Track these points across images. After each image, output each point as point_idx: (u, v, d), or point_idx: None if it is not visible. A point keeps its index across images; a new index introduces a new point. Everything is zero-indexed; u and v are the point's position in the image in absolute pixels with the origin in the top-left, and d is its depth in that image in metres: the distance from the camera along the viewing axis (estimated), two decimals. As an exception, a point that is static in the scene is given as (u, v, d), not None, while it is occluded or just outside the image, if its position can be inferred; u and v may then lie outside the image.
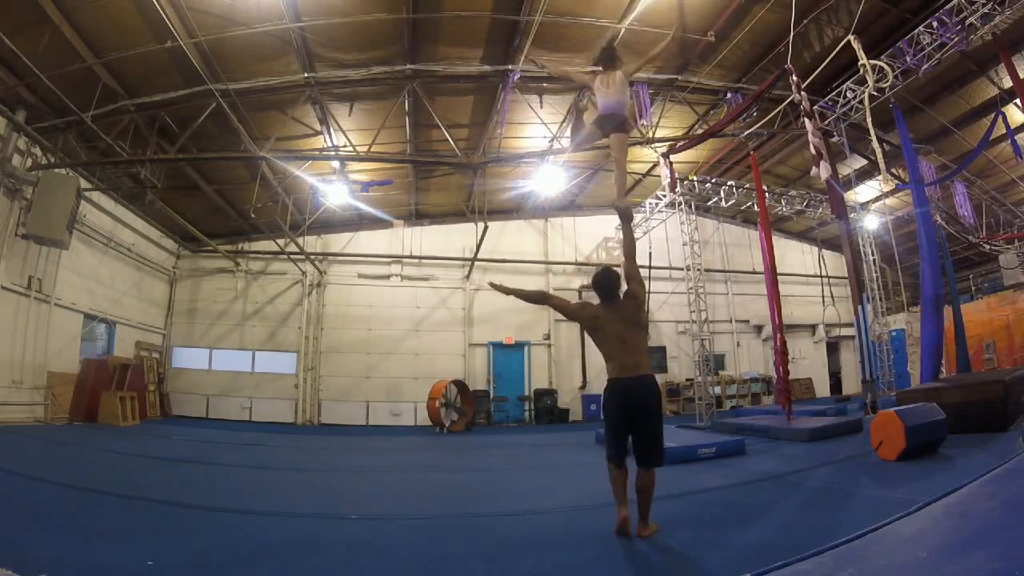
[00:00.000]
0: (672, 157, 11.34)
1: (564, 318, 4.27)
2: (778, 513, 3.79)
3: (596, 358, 4.01)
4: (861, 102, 9.08)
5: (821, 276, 13.31)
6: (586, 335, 3.67)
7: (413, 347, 14.67)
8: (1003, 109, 9.95)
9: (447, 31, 8.69)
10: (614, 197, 4.23)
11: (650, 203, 14.07)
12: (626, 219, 3.88)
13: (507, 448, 8.85)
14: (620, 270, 3.60)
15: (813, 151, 7.38)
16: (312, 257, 14.24)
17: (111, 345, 11.91)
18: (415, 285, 15.12)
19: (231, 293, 14.61)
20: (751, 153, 10.97)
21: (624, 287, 3.50)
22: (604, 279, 3.46)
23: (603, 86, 4.25)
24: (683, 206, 12.54)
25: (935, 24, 7.90)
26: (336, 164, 10.82)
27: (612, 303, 3.44)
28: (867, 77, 8.36)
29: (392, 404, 14.06)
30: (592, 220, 16.28)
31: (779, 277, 9.75)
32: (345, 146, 10.64)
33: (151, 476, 5.32)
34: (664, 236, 14.54)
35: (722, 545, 3.01)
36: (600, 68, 4.45)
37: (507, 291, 3.80)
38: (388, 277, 15.09)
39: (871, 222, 14.70)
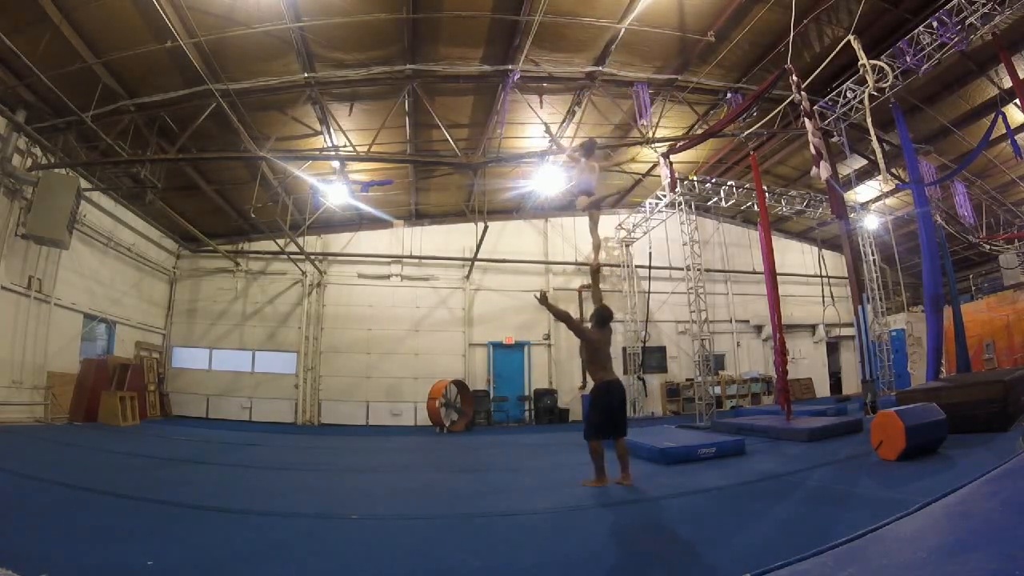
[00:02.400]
0: (672, 157, 11.34)
1: None
2: (778, 513, 3.79)
3: (595, 359, 4.78)
4: (861, 102, 9.07)
5: (821, 276, 13.32)
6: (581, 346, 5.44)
7: (413, 347, 14.66)
8: (1003, 109, 9.94)
9: (447, 31, 8.69)
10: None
11: (650, 203, 14.06)
12: (596, 275, 6.16)
13: (507, 448, 8.84)
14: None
15: (813, 151, 7.36)
16: (312, 257, 14.23)
17: (111, 345, 11.91)
18: (415, 285, 15.12)
19: (231, 293, 14.61)
20: (751, 153, 10.96)
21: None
22: (607, 314, 5.16)
23: (584, 170, 6.15)
24: (683, 206, 12.54)
25: (935, 24, 7.90)
26: (336, 164, 10.80)
27: (604, 330, 5.12)
28: (867, 77, 8.35)
29: (392, 404, 14.06)
30: (592, 220, 16.25)
31: (779, 277, 9.75)
32: (345, 146, 10.63)
33: (151, 476, 5.32)
34: (664, 236, 14.55)
35: (722, 545, 3.01)
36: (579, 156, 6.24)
37: (547, 305, 5.05)
38: (388, 277, 15.08)
39: (871, 222, 14.70)
